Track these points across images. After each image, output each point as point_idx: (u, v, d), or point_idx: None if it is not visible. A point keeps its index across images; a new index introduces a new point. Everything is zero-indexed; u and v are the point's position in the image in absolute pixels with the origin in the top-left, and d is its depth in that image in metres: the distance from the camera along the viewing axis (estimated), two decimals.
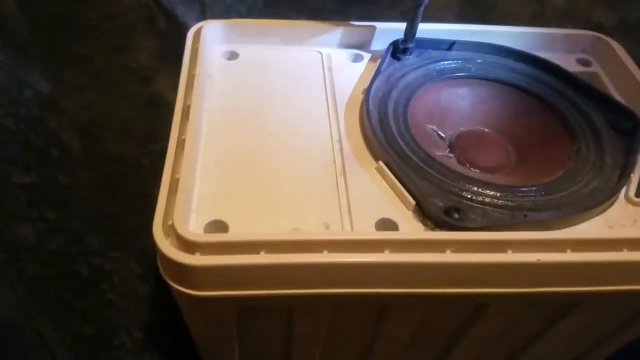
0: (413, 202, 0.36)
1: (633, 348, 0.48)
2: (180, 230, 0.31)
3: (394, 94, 0.44)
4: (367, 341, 0.42)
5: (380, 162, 0.39)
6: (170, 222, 0.33)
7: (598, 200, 0.36)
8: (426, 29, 0.47)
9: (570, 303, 0.37)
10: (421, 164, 0.38)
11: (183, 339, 0.43)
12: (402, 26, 0.48)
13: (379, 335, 0.41)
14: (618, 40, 0.50)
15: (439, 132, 0.45)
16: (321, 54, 0.49)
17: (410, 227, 0.35)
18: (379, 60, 0.47)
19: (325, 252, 0.32)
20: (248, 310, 0.36)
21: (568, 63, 0.50)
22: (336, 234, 0.33)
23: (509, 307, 0.38)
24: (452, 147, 0.44)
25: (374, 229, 0.35)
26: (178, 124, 0.39)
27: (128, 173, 0.54)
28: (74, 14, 0.52)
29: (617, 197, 0.38)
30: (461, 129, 0.45)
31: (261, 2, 0.52)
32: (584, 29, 0.53)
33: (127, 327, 0.50)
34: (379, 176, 0.39)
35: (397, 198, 0.37)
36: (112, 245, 0.52)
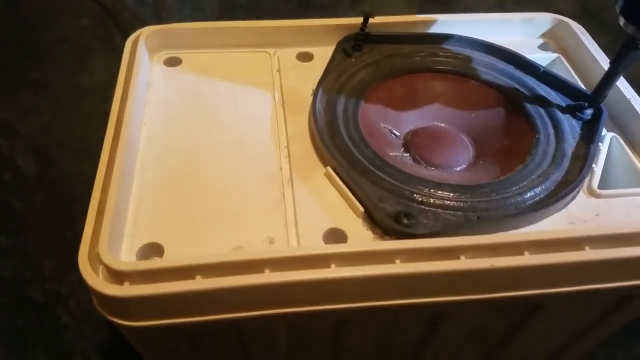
0: (362, 209, 0.34)
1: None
2: (106, 259, 0.29)
3: (344, 92, 0.42)
4: (331, 356, 0.40)
5: (329, 168, 0.36)
6: (97, 250, 0.30)
7: (557, 195, 0.34)
8: (380, 22, 0.45)
9: (534, 305, 0.35)
10: (370, 167, 0.36)
11: None
12: (352, 21, 0.46)
13: (341, 349, 0.39)
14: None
15: (394, 131, 0.42)
16: (269, 54, 0.46)
17: (359, 237, 0.33)
18: (329, 58, 0.45)
19: (267, 272, 0.30)
20: (197, 335, 0.34)
21: (529, 48, 0.48)
22: (277, 251, 0.30)
23: (470, 313, 0.36)
24: (406, 145, 0.42)
25: (322, 241, 0.33)
26: (110, 140, 0.36)
27: (83, 192, 0.53)
28: (30, 38, 0.51)
29: (578, 191, 0.36)
30: (416, 125, 0.43)
31: (219, 10, 0.50)
32: None
33: (84, 350, 0.48)
34: (327, 183, 0.36)
35: (346, 206, 0.35)
36: (68, 269, 0.50)
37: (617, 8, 0.35)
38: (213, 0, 0.58)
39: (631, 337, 0.51)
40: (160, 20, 0.52)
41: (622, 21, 0.35)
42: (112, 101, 0.56)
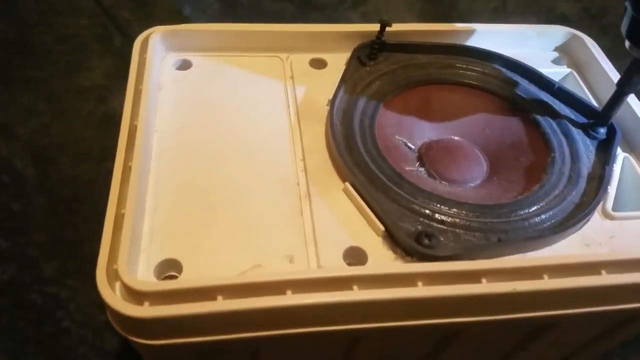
0: (382, 227, 0.34)
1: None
2: (126, 278, 0.28)
3: (360, 104, 0.41)
4: None
5: (347, 184, 0.36)
6: (115, 267, 0.30)
7: (575, 218, 0.34)
8: (393, 30, 0.44)
9: (547, 324, 0.36)
10: (389, 184, 0.36)
11: None
12: (366, 28, 0.45)
13: None
14: (581, 29, 0.49)
15: (408, 144, 0.42)
16: (282, 60, 0.45)
17: (380, 256, 0.33)
18: (343, 66, 0.45)
19: (289, 293, 0.30)
20: (213, 352, 0.33)
21: (541, 62, 0.48)
22: (299, 273, 0.30)
23: (484, 331, 0.36)
24: (421, 159, 0.41)
25: (342, 260, 0.33)
26: (124, 149, 0.35)
27: (83, 194, 0.52)
28: (28, 39, 0.50)
29: (593, 212, 0.36)
30: (431, 138, 0.43)
31: (220, 11, 0.49)
32: (547, 20, 0.52)
33: (85, 355, 0.47)
34: (345, 198, 0.36)
35: (365, 223, 0.35)
36: (68, 272, 0.49)
37: (623, 31, 0.35)
38: (213, 2, 0.57)
39: (628, 347, 0.53)
40: (160, 21, 0.51)
41: (628, 44, 0.35)
42: (110, 101, 0.55)
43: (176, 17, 0.56)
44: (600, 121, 0.41)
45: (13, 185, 0.52)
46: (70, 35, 0.50)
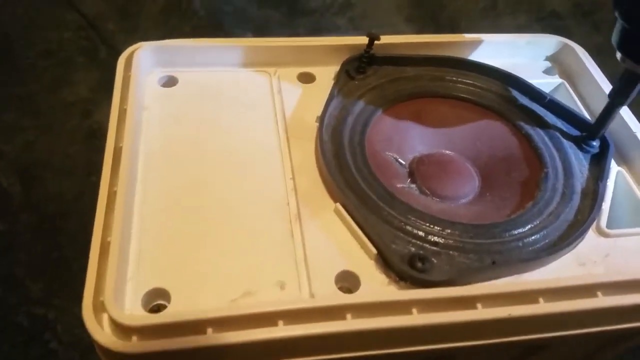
0: (374, 251, 0.33)
1: None
2: (114, 313, 0.28)
3: (349, 120, 0.40)
4: None
5: (338, 205, 0.35)
6: (102, 299, 0.29)
7: (570, 238, 0.34)
8: (381, 43, 0.44)
9: (541, 345, 0.36)
10: (381, 204, 0.35)
11: None
12: (354, 41, 0.44)
13: None
14: (573, 26, 0.48)
15: (399, 160, 0.41)
16: (269, 74, 0.45)
17: (373, 280, 0.32)
18: (332, 79, 0.44)
19: (281, 324, 0.29)
20: None
21: (533, 72, 0.47)
22: (291, 303, 0.29)
23: (477, 353, 0.36)
24: (412, 174, 0.41)
25: (334, 285, 0.32)
26: (108, 174, 0.34)
27: (69, 211, 0.51)
28: (12, 54, 0.48)
29: (587, 230, 0.36)
30: (422, 152, 0.42)
31: (205, 20, 0.48)
32: (538, 18, 0.51)
33: None
34: (337, 219, 0.35)
35: (357, 245, 0.34)
36: (54, 291, 0.48)
37: (614, 43, 0.34)
38: (199, 10, 0.56)
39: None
40: (144, 31, 0.50)
41: (619, 56, 0.35)
42: (96, 115, 0.54)
43: (161, 27, 0.55)
44: (592, 134, 0.40)
45: None
46: (55, 49, 0.49)
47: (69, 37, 0.49)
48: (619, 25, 0.34)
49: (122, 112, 0.38)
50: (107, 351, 0.28)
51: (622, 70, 0.36)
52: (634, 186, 0.39)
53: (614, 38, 0.34)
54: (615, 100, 0.37)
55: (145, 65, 0.42)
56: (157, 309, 0.31)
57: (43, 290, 0.49)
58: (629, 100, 0.37)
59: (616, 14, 0.33)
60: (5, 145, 0.52)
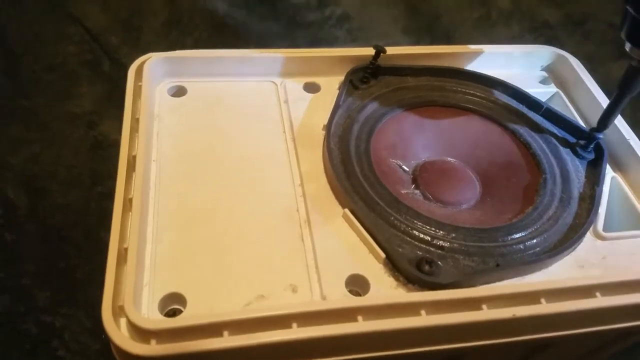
0: (383, 254, 0.34)
1: None
2: (133, 317, 0.28)
3: (355, 128, 0.42)
4: None
5: (346, 210, 0.37)
6: (120, 304, 0.30)
7: (569, 241, 0.35)
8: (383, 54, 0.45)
9: (544, 344, 0.37)
10: (389, 210, 0.36)
11: None
12: (357, 52, 0.46)
13: None
14: (565, 36, 0.50)
15: (403, 166, 0.43)
16: (276, 84, 0.46)
17: (382, 284, 0.34)
18: (336, 89, 0.45)
19: (295, 326, 0.30)
20: None
21: (529, 82, 0.49)
22: (304, 305, 0.30)
23: (483, 352, 0.37)
24: (416, 181, 0.42)
25: (344, 288, 0.33)
26: (123, 182, 0.35)
27: (74, 221, 0.51)
28: (17, 69, 0.49)
29: (585, 234, 0.37)
30: (424, 159, 0.44)
31: (206, 33, 0.49)
32: (531, 28, 0.53)
33: None
34: (345, 224, 0.37)
35: (366, 249, 0.35)
36: (61, 300, 0.49)
37: (623, 35, 0.35)
38: (200, 23, 0.57)
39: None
40: (147, 44, 0.51)
41: (628, 47, 0.35)
42: (100, 127, 0.54)
43: (164, 40, 0.56)
44: (599, 128, 0.40)
45: (5, 215, 0.52)
46: (59, 63, 0.50)
47: (72, 50, 0.50)
48: (628, 17, 0.34)
49: (135, 122, 0.39)
50: (126, 355, 0.29)
51: (628, 64, 0.36)
52: (629, 191, 0.41)
53: (623, 30, 0.34)
54: (623, 92, 0.37)
55: (155, 75, 0.43)
56: (172, 314, 0.32)
57: (50, 299, 0.50)
58: (636, 91, 0.37)
59: (627, 6, 0.34)
60: (11, 157, 0.53)
